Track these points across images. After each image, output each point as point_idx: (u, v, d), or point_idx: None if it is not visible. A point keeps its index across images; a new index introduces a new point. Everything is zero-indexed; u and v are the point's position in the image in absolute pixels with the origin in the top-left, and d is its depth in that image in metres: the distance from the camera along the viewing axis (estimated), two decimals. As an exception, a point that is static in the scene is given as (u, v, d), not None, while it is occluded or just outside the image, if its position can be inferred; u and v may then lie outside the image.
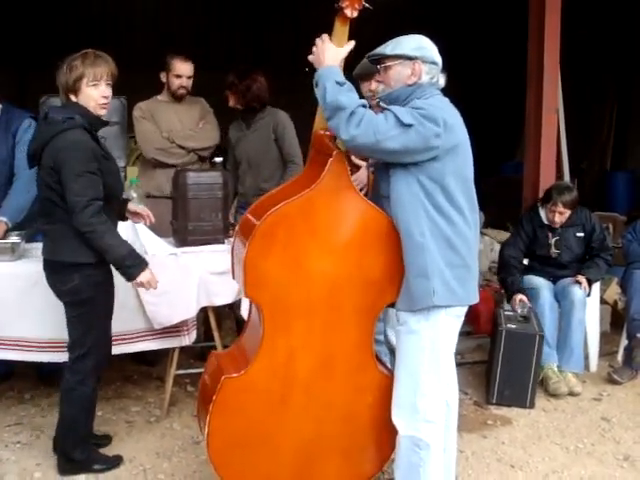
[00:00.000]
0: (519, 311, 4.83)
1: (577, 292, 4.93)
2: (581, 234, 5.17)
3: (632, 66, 10.85)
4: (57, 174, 3.29)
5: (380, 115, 2.82)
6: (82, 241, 3.33)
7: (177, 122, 4.90)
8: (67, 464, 3.60)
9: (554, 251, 5.10)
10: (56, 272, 3.44)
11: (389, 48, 2.99)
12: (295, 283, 2.94)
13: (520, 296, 4.91)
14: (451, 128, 2.86)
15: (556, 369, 4.79)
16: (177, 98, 4.92)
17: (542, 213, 5.14)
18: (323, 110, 2.88)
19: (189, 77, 4.90)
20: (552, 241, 5.10)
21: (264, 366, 2.98)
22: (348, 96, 2.82)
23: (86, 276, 3.40)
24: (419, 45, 2.99)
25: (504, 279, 5.14)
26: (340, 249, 2.98)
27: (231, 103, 4.93)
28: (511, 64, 8.33)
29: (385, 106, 2.91)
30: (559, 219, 5.06)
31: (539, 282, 5.06)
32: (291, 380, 3.02)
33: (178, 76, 4.86)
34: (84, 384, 3.51)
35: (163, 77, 4.91)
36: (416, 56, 2.96)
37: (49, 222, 3.42)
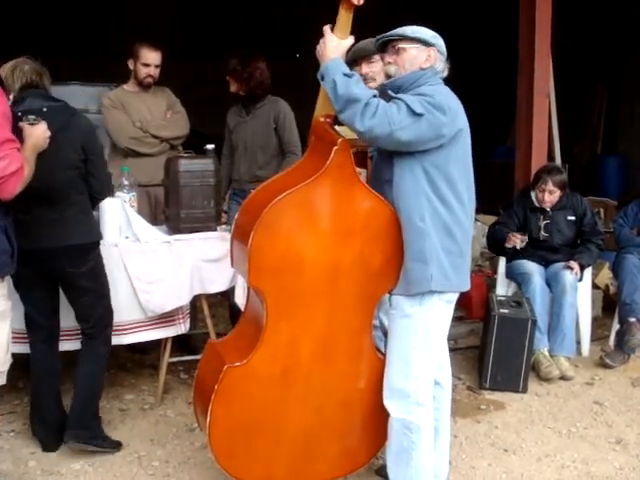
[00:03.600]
0: (518, 245, 4.90)
1: (568, 277, 4.94)
2: (572, 217, 5.18)
3: (622, 49, 10.84)
4: (84, 153, 3.48)
5: (392, 105, 2.81)
6: (91, 221, 3.63)
7: (146, 112, 4.84)
8: (85, 436, 3.65)
9: (543, 234, 5.12)
10: (70, 256, 3.51)
11: (409, 31, 2.97)
12: (298, 271, 2.93)
13: (514, 234, 4.96)
14: (455, 115, 2.88)
15: (547, 354, 4.80)
16: (144, 87, 4.84)
17: (533, 196, 5.16)
18: (335, 103, 2.84)
19: (157, 66, 4.81)
20: (542, 224, 5.12)
21: (267, 354, 2.98)
22: (359, 87, 2.81)
23: (98, 254, 3.66)
24: (436, 35, 3.00)
25: (494, 239, 5.21)
26: (343, 238, 2.96)
27: (233, 89, 4.87)
28: (503, 48, 8.30)
29: (394, 95, 2.89)
30: (549, 198, 5.06)
31: (530, 267, 5.06)
32: (293, 367, 3.03)
33: (146, 65, 4.76)
34: (109, 351, 3.79)
35: (131, 65, 4.82)
36: (434, 43, 2.98)
37: (57, 209, 3.46)
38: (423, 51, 2.97)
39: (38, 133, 3.20)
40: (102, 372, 3.78)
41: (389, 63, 3.02)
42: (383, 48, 3.06)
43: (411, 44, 2.96)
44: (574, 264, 5.00)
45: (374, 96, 2.83)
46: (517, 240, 4.96)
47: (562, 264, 5.05)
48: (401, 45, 2.97)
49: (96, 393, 3.76)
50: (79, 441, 3.64)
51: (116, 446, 3.75)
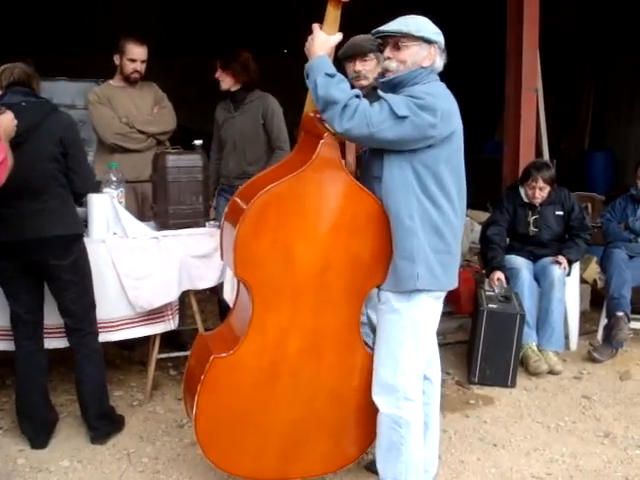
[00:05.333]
0: (496, 291, 4.85)
1: (557, 271, 4.96)
2: (560, 213, 5.20)
3: (610, 45, 10.87)
4: (63, 146, 3.51)
5: (375, 106, 2.79)
6: (74, 213, 3.63)
7: (133, 107, 4.81)
8: (110, 425, 3.84)
9: (532, 229, 5.14)
10: (53, 248, 3.52)
11: (414, 28, 2.91)
12: (285, 264, 2.94)
13: (498, 274, 4.93)
14: (448, 117, 2.85)
15: (536, 348, 4.82)
16: (130, 82, 4.82)
17: (522, 192, 5.17)
18: (316, 103, 2.85)
19: (143, 61, 4.79)
20: (531, 219, 5.13)
21: (253, 346, 2.99)
22: (339, 88, 2.79)
23: (82, 247, 3.67)
24: (437, 31, 2.97)
25: (485, 254, 5.18)
26: (330, 231, 2.97)
27: (226, 85, 4.85)
28: (490, 43, 8.32)
29: (382, 95, 2.87)
30: (540, 195, 5.08)
31: (518, 262, 5.08)
32: (280, 360, 3.03)
33: (132, 60, 4.74)
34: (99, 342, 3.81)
35: (117, 60, 4.80)
36: (435, 41, 2.94)
37: (39, 201, 3.47)
38: (425, 49, 2.92)
39: (7, 121, 3.23)
40: (103, 364, 3.82)
41: (389, 58, 2.96)
42: (382, 40, 3.00)
43: (413, 41, 2.91)
44: (562, 259, 5.01)
45: (357, 96, 2.81)
46: (496, 286, 4.95)
47: (550, 259, 5.07)
48: (403, 42, 2.92)
49: (105, 385, 3.85)
50: (109, 434, 3.81)
51: (123, 420, 3.98)
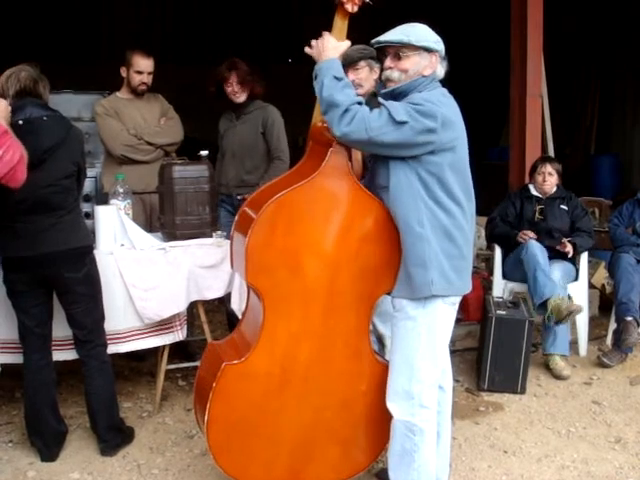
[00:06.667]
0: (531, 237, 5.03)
1: (556, 274, 4.92)
2: (565, 207, 5.30)
3: (615, 49, 10.86)
4: (79, 162, 3.59)
5: (374, 111, 2.80)
6: (85, 226, 3.67)
7: (140, 119, 4.84)
8: (119, 437, 3.84)
9: (538, 216, 5.23)
10: (68, 261, 3.54)
11: (414, 38, 2.91)
12: (295, 270, 2.96)
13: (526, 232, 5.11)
14: (450, 124, 2.85)
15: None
16: (138, 94, 4.85)
17: (531, 187, 5.33)
18: (320, 104, 2.87)
19: (150, 73, 4.82)
20: (537, 208, 5.26)
21: (265, 353, 3.00)
22: (343, 93, 2.81)
23: (92, 259, 3.69)
24: (438, 39, 2.97)
25: (500, 235, 5.36)
26: (339, 237, 2.99)
27: (241, 99, 4.87)
28: (495, 49, 8.33)
29: (382, 102, 2.87)
30: (549, 180, 5.23)
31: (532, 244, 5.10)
32: (291, 367, 3.04)
33: (139, 72, 4.77)
34: (108, 354, 3.82)
35: (123, 72, 4.82)
36: (436, 49, 2.95)
37: (56, 215, 3.49)
38: (425, 58, 2.93)
39: (2, 108, 3.23)
40: (112, 376, 3.82)
41: (390, 68, 2.97)
42: (382, 49, 3.01)
43: (414, 51, 2.92)
44: (566, 242, 5.06)
45: (359, 103, 2.82)
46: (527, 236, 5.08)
47: (554, 261, 5.05)
48: (404, 52, 2.92)
49: (115, 396, 3.86)
50: (119, 446, 3.81)
51: (133, 432, 3.97)
